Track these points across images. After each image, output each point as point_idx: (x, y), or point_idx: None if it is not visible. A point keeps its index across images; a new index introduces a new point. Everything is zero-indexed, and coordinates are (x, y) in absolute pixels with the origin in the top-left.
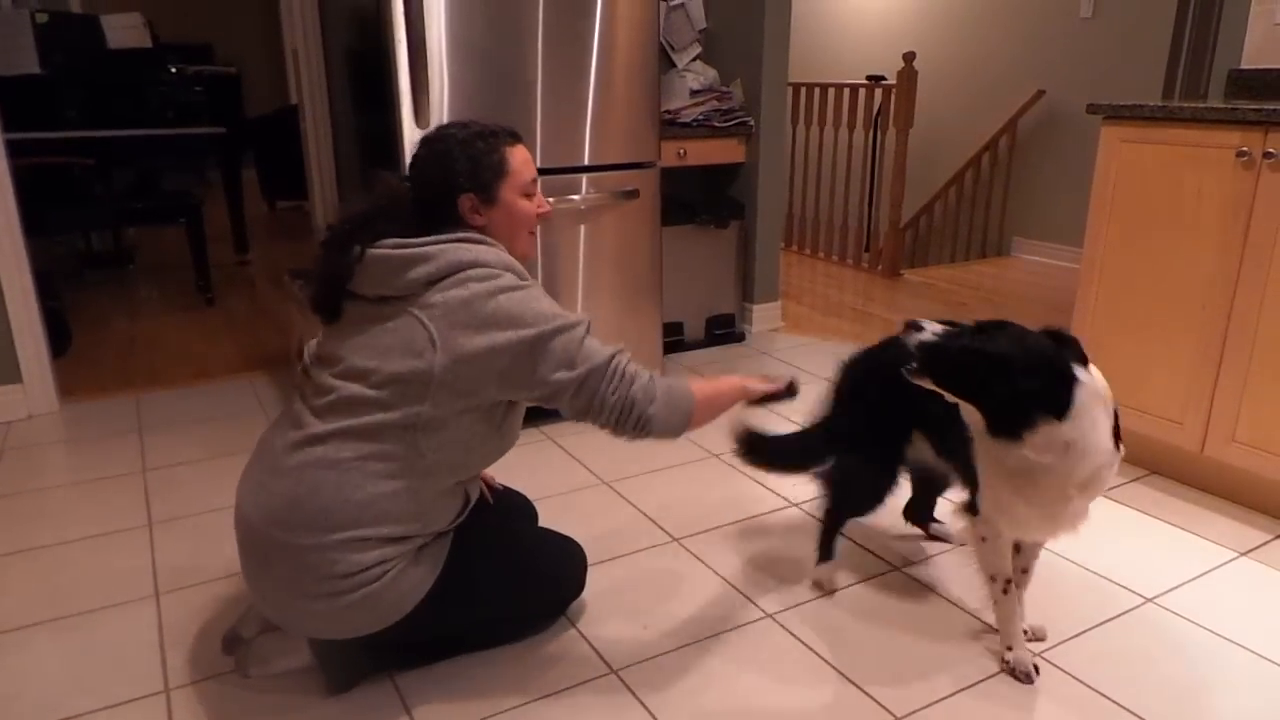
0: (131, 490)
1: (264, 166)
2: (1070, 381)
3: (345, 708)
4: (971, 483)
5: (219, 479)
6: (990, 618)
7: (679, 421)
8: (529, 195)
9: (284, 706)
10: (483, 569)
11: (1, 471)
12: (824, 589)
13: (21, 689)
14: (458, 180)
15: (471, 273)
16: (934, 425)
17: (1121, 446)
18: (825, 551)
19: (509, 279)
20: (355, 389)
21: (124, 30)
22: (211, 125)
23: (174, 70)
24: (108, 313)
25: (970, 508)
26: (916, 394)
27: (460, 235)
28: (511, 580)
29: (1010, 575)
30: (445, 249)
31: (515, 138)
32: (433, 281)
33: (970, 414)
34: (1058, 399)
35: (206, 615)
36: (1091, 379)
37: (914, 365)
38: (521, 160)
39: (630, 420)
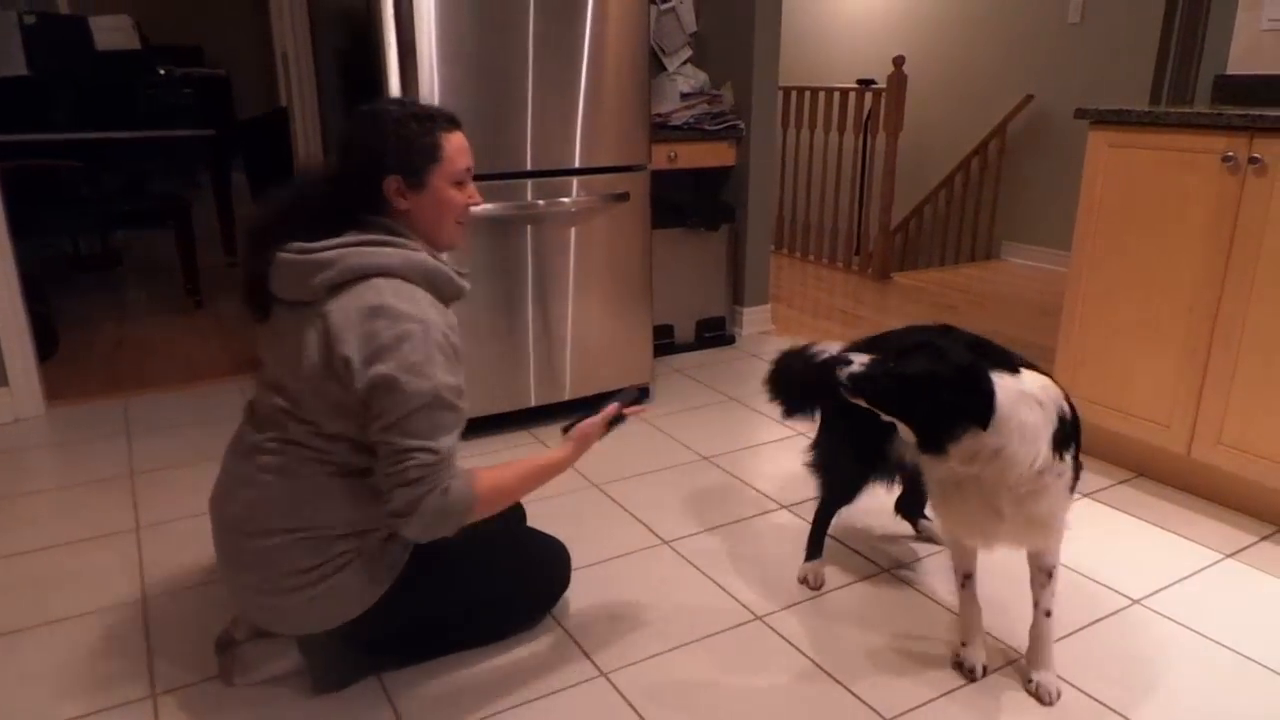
0: (119, 494)
1: (253, 169)
2: (988, 390)
3: (333, 710)
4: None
5: (207, 482)
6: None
7: (438, 532)
8: (461, 184)
9: (272, 710)
10: (462, 559)
11: None
12: (810, 585)
13: (8, 694)
14: (385, 160)
15: (370, 281)
16: None
17: (1068, 456)
18: (814, 548)
19: (400, 300)
20: (278, 401)
21: (112, 32)
22: (201, 127)
23: (163, 72)
24: (95, 316)
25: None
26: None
27: (364, 238)
28: (491, 571)
29: (969, 571)
30: (345, 254)
31: (453, 123)
32: (334, 288)
33: (905, 431)
34: (978, 408)
35: (194, 619)
36: (1019, 385)
37: (847, 388)
38: (457, 148)
39: (393, 521)
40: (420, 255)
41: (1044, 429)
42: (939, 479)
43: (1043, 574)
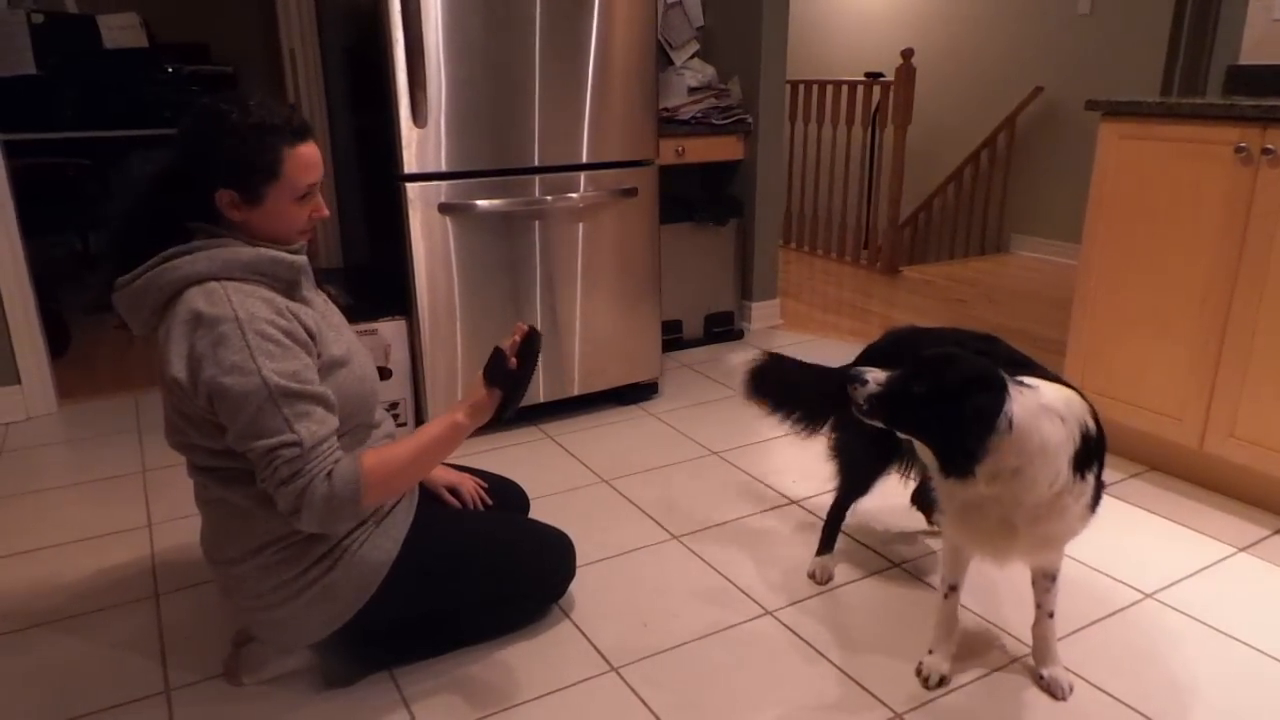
0: (131, 491)
1: None
2: (1002, 395)
3: (346, 706)
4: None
5: None
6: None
7: (336, 522)
8: (304, 199)
9: (284, 706)
10: (466, 551)
11: (0, 473)
12: (818, 580)
13: (22, 691)
14: (217, 174)
15: (184, 295)
16: None
17: (1090, 476)
18: (827, 543)
19: (209, 305)
20: (175, 438)
21: (120, 30)
22: None
23: (170, 70)
24: (106, 313)
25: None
26: None
27: (170, 251)
28: (496, 563)
29: (957, 583)
30: (150, 277)
31: (300, 135)
32: (159, 310)
33: (923, 451)
34: (989, 413)
35: (207, 616)
36: (1038, 399)
37: (865, 409)
38: (302, 164)
39: (287, 518)
40: (230, 250)
41: (1065, 446)
42: (957, 498)
43: (1046, 579)
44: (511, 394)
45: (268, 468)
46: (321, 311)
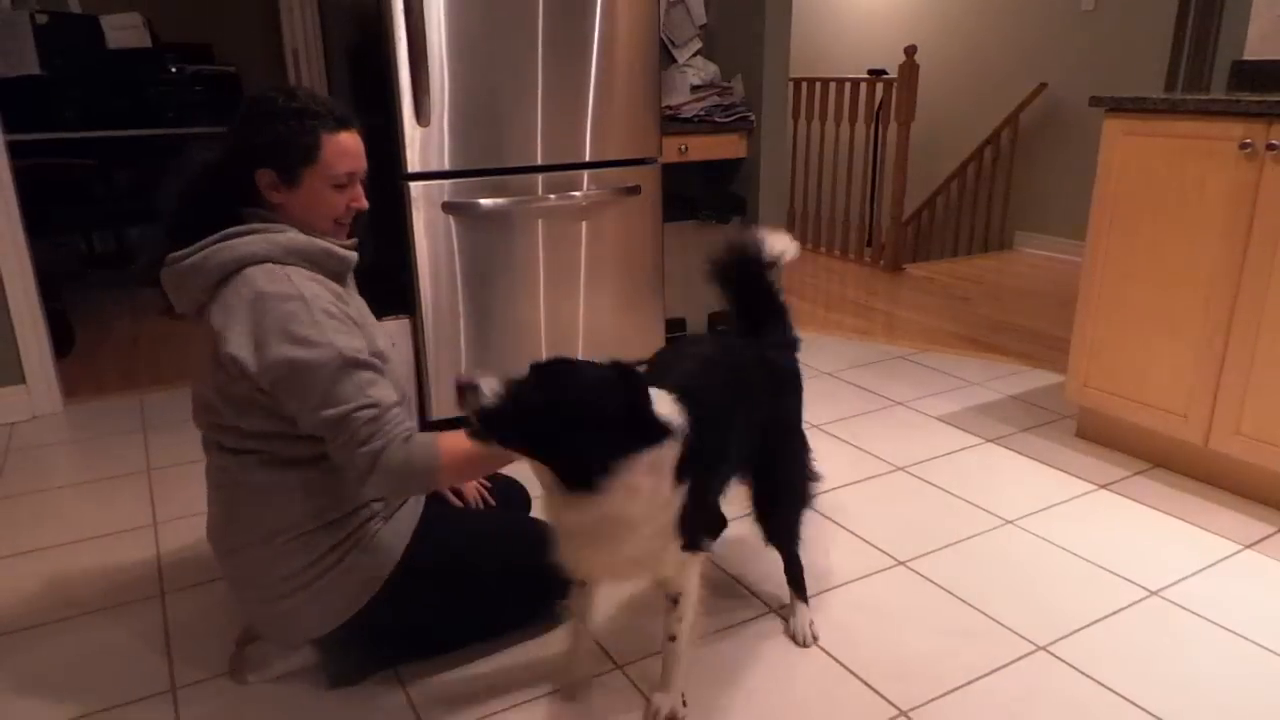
0: (136, 490)
1: None
2: (648, 414)
3: (352, 704)
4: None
5: None
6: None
7: (405, 492)
8: (342, 187)
9: (290, 705)
10: (471, 549)
11: (6, 473)
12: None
13: (29, 689)
14: (258, 154)
15: (241, 274)
16: None
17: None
18: None
19: (273, 284)
20: (207, 418)
21: (123, 30)
22: (212, 124)
23: (174, 70)
24: (110, 313)
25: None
26: None
27: (226, 232)
28: (500, 560)
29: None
30: (206, 255)
31: (342, 123)
32: (211, 289)
33: (539, 471)
34: (643, 433)
35: (213, 614)
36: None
37: (474, 429)
38: (340, 151)
39: (355, 480)
40: (287, 235)
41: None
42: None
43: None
44: None
45: (344, 431)
46: (358, 309)
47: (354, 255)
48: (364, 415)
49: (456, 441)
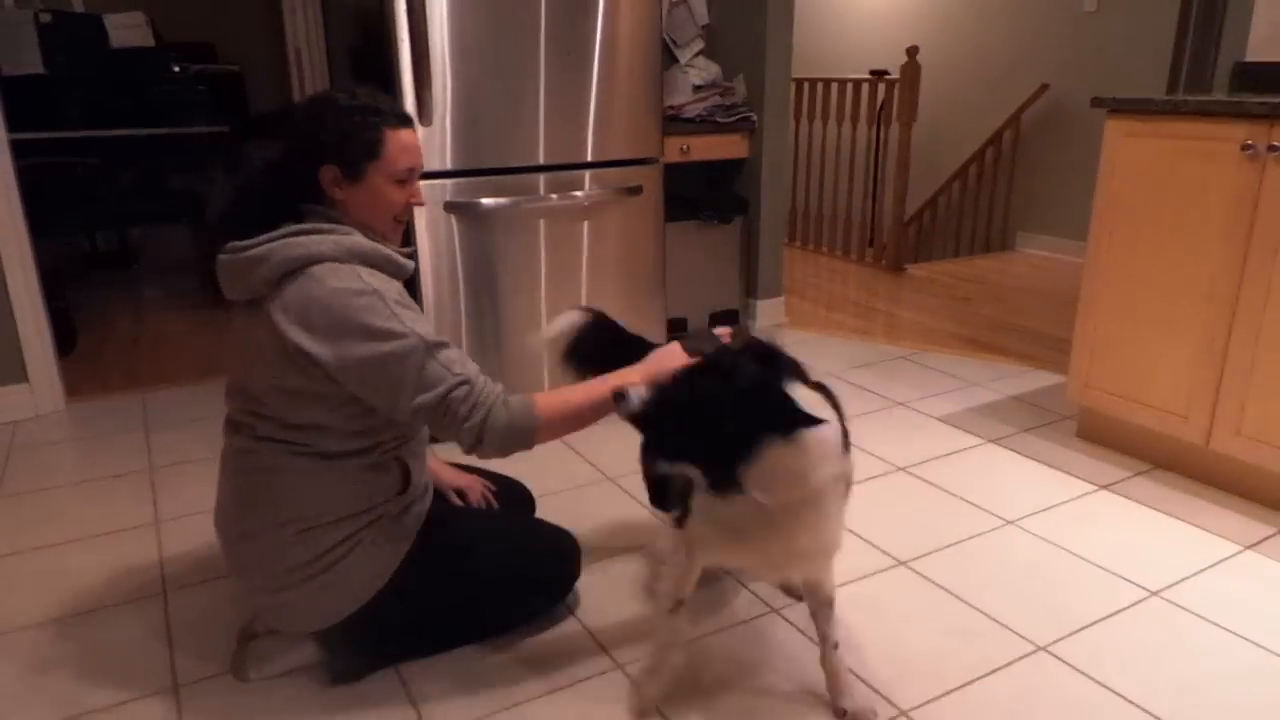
0: (139, 488)
1: None
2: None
3: (352, 702)
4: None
5: None
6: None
7: (512, 450)
8: (402, 183)
9: (292, 702)
10: (472, 548)
11: (9, 471)
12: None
13: (31, 687)
14: (322, 150)
15: (309, 271)
16: None
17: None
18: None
19: (346, 281)
20: (242, 403)
21: (127, 29)
22: (215, 124)
23: (177, 69)
24: (113, 312)
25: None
26: None
27: (292, 229)
28: (502, 559)
29: (684, 598)
30: (274, 248)
31: (403, 121)
32: (274, 281)
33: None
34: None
35: (215, 612)
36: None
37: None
38: (401, 146)
39: (468, 450)
40: (353, 239)
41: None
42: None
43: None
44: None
45: (445, 414)
46: None
47: (411, 264)
48: (459, 394)
49: (552, 398)
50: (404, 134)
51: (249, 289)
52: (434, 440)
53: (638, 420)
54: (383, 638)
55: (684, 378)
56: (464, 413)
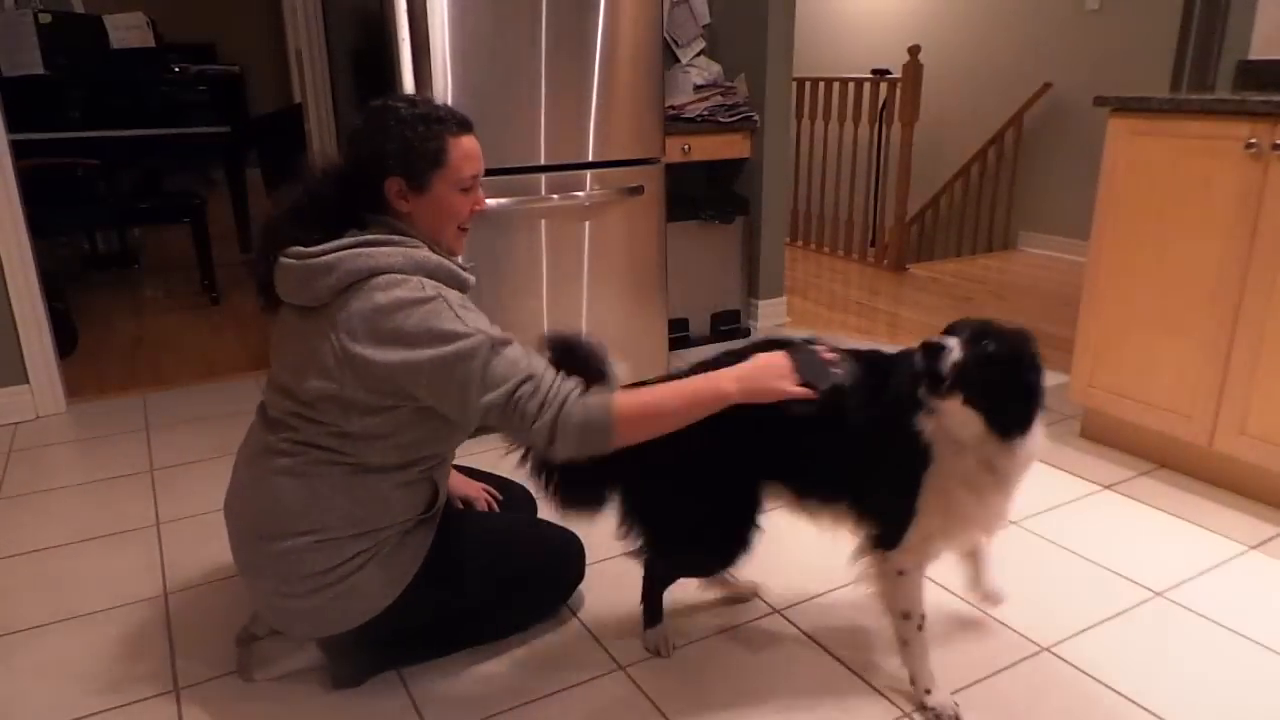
0: (139, 490)
1: (268, 165)
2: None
3: (355, 705)
4: (891, 517)
5: (226, 478)
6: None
7: (590, 450)
8: (467, 190)
9: (294, 705)
10: (476, 553)
11: (9, 472)
12: (662, 653)
13: (31, 689)
14: (386, 162)
15: (374, 281)
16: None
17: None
18: (653, 615)
19: (410, 290)
20: (287, 404)
21: (127, 30)
22: (215, 124)
23: (177, 70)
24: (113, 313)
25: (883, 542)
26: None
27: (361, 239)
28: (505, 564)
29: (924, 610)
30: (342, 257)
31: (464, 127)
32: (339, 291)
33: (964, 425)
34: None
35: (215, 614)
36: None
37: (945, 385)
38: (464, 154)
39: (543, 452)
40: (422, 253)
41: None
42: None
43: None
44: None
45: (514, 413)
46: None
47: (473, 279)
48: (525, 390)
49: (637, 396)
50: (466, 140)
51: (312, 296)
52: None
53: (958, 369)
54: (384, 642)
55: (988, 335)
56: (533, 411)
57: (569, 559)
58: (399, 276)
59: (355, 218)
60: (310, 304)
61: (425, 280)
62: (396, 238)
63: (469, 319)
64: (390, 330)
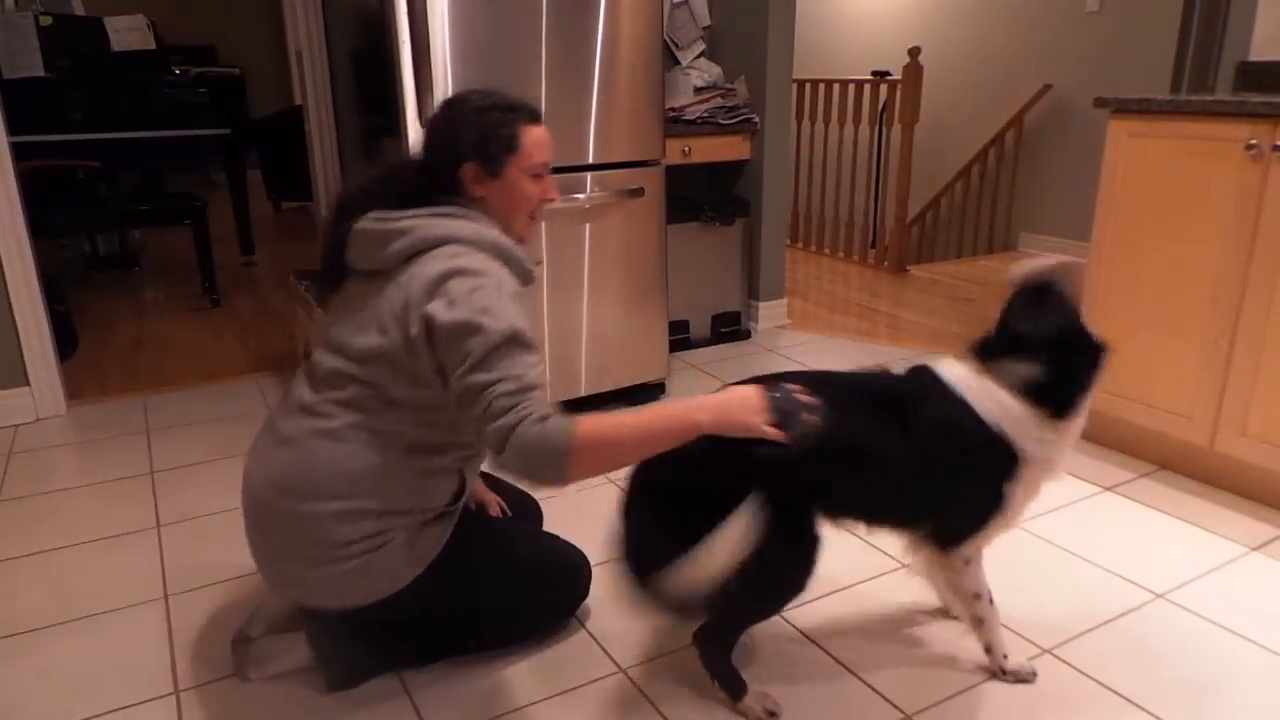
0: (140, 492)
1: (269, 167)
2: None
3: (356, 708)
4: (968, 524)
5: (227, 480)
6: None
7: (539, 473)
8: (538, 178)
9: (294, 709)
10: (484, 561)
11: (10, 474)
12: (775, 712)
13: (32, 691)
14: (463, 147)
15: (443, 249)
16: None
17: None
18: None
19: (473, 262)
20: (339, 363)
21: (127, 32)
22: (216, 126)
23: (178, 72)
24: (114, 315)
25: (948, 543)
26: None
27: (439, 210)
28: (511, 575)
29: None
30: (419, 224)
31: (535, 117)
32: (409, 256)
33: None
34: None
35: (216, 617)
36: None
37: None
38: (535, 141)
39: (495, 462)
40: (494, 233)
41: None
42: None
43: None
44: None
45: (483, 400)
46: None
47: (535, 275)
48: (503, 388)
49: (601, 424)
50: (537, 130)
51: (382, 259)
52: None
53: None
54: (379, 641)
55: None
56: (498, 409)
57: (575, 577)
58: (467, 249)
59: (431, 200)
60: (380, 267)
61: (490, 258)
62: (474, 214)
63: (509, 308)
64: (442, 291)
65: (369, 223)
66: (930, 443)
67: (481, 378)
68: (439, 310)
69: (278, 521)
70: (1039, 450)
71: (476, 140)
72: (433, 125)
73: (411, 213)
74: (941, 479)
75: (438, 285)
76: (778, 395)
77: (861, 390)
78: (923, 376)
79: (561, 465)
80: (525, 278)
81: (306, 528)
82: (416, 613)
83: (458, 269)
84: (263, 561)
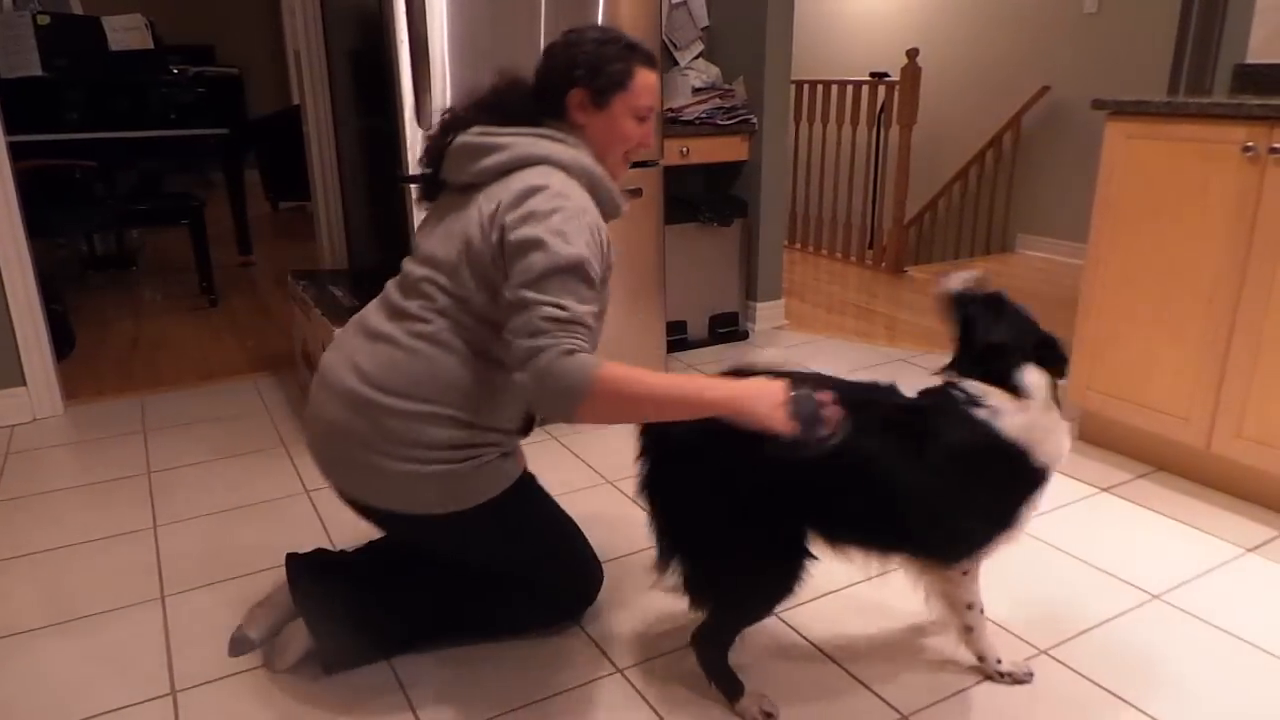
0: (137, 492)
1: (267, 167)
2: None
3: (351, 706)
4: (976, 543)
5: (224, 480)
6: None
7: (553, 403)
8: (641, 120)
9: (291, 707)
10: (539, 511)
11: (6, 475)
12: (772, 713)
13: (28, 692)
14: (575, 72)
15: (538, 168)
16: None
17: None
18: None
19: (563, 185)
20: (426, 272)
21: (125, 32)
22: (214, 126)
23: (176, 71)
24: (111, 315)
25: (948, 560)
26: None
27: (540, 131)
28: (554, 539)
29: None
30: (519, 141)
31: (651, 61)
32: (504, 172)
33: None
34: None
35: (213, 617)
36: None
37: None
38: (645, 84)
39: (519, 377)
40: (590, 160)
41: None
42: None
43: None
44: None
45: (525, 315)
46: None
47: (625, 206)
48: (549, 312)
49: (628, 374)
50: (649, 74)
51: (476, 172)
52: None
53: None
54: (380, 633)
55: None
56: (535, 329)
57: (590, 582)
58: (559, 171)
59: (535, 121)
60: (474, 180)
61: (580, 185)
62: (573, 140)
63: (585, 239)
64: (526, 204)
65: (470, 136)
66: (950, 467)
67: (532, 295)
68: (516, 221)
69: (365, 413)
70: (1061, 448)
71: (590, 69)
72: (550, 50)
73: (512, 130)
74: (960, 505)
75: (523, 199)
76: (800, 395)
77: (876, 407)
78: (936, 397)
79: (572, 405)
80: (613, 211)
81: (394, 421)
82: (456, 549)
83: (544, 186)
84: (334, 456)
